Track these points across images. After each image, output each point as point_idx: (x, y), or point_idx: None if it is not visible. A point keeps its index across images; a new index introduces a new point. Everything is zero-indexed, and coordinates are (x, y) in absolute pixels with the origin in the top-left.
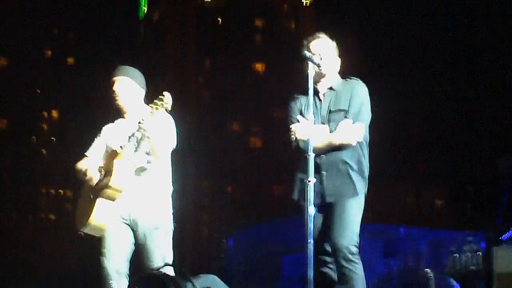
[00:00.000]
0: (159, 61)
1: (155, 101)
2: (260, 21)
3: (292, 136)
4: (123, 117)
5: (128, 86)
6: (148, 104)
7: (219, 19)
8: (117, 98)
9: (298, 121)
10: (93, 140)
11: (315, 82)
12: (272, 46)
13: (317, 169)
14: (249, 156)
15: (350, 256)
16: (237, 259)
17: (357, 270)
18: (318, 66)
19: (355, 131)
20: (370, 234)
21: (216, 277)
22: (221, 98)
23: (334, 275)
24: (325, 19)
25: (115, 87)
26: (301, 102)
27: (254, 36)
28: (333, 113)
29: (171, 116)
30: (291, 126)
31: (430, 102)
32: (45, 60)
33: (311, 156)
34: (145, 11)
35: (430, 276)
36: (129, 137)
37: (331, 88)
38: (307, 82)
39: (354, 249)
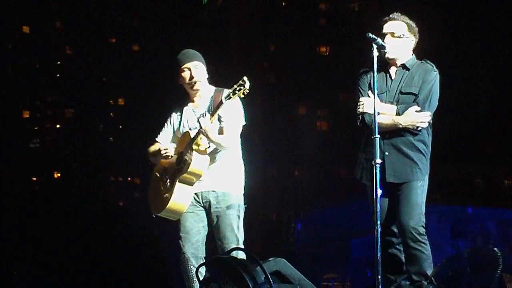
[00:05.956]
0: (224, 46)
1: (235, 86)
2: (323, 4)
3: (359, 109)
4: (192, 100)
5: (203, 70)
6: (228, 89)
7: (283, 3)
8: (196, 83)
9: (368, 96)
10: (162, 126)
11: (388, 63)
12: (336, 28)
13: (380, 149)
14: (316, 139)
15: (418, 237)
16: (305, 242)
17: (425, 250)
18: (382, 48)
19: (421, 118)
20: (438, 215)
21: (285, 261)
22: (287, 82)
23: (401, 256)
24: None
25: (194, 73)
26: (371, 76)
27: (318, 19)
28: (404, 95)
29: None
30: (360, 99)
31: (499, 82)
32: (110, 48)
33: (377, 137)
34: None
35: (499, 255)
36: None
37: (404, 66)
38: (372, 64)
39: (422, 230)
